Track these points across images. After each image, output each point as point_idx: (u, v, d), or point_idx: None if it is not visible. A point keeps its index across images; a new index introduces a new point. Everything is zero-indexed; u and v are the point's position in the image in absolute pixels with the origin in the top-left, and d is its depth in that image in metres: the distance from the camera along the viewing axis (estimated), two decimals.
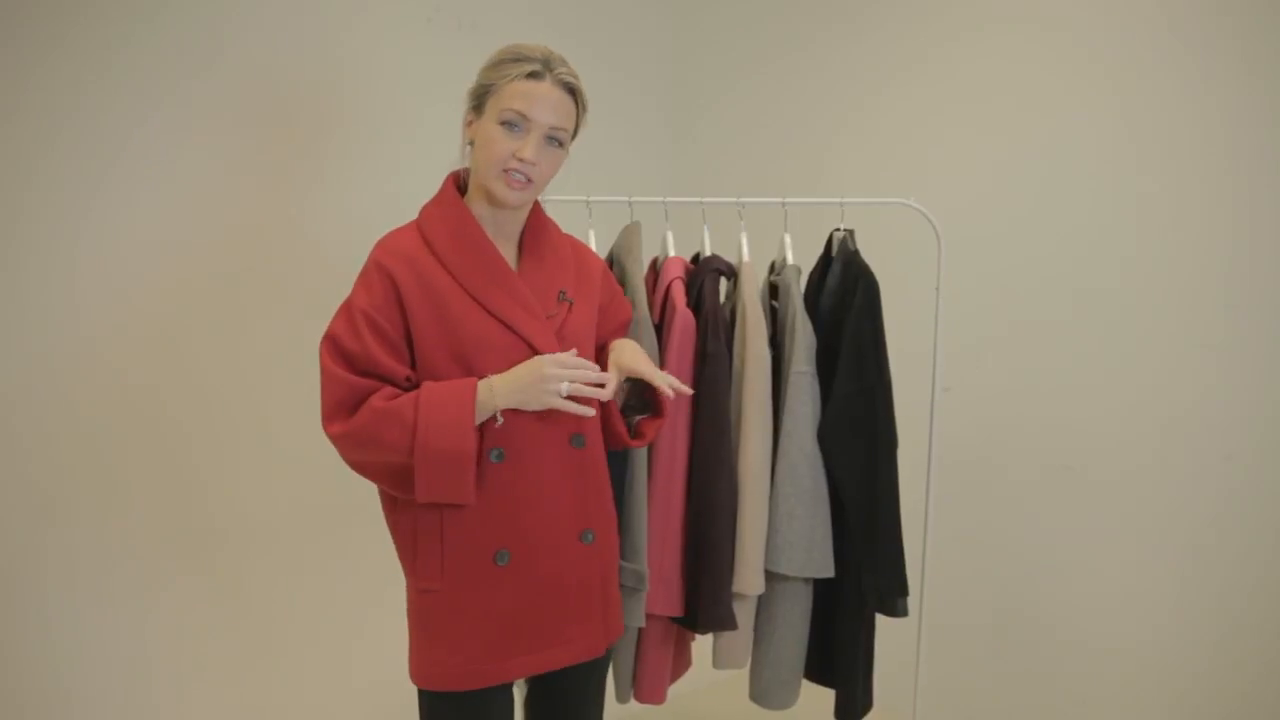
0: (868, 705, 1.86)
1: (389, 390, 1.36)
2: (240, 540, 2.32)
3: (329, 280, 2.44)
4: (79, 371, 2.08)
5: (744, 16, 2.90)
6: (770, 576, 1.76)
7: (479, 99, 1.40)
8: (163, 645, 2.22)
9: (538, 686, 1.58)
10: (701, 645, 1.93)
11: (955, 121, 2.38)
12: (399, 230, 1.46)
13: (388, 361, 1.36)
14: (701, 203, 1.83)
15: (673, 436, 1.72)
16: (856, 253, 1.79)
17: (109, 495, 2.13)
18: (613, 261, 1.81)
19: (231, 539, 2.31)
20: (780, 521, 1.75)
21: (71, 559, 2.10)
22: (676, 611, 1.75)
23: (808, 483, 1.75)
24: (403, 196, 2.50)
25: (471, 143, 1.43)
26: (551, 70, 1.38)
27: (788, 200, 1.84)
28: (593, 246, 1.81)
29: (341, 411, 1.35)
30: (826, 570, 1.76)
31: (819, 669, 1.86)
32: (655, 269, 1.86)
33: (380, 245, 1.43)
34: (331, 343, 1.38)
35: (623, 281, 1.75)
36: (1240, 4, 1.89)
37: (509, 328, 1.39)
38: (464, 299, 1.38)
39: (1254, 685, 1.95)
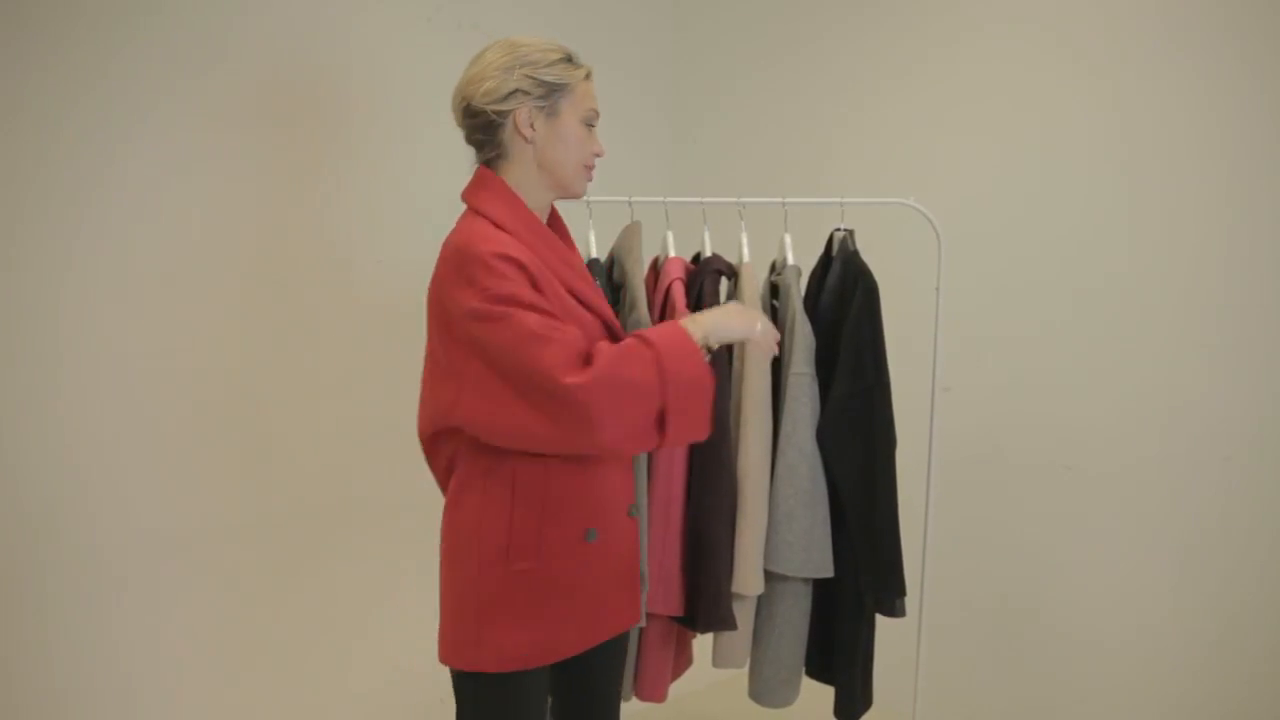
0: (867, 703, 1.87)
1: (604, 344, 1.33)
2: (241, 540, 2.32)
3: (327, 278, 2.45)
4: (80, 371, 2.08)
5: (744, 17, 2.90)
6: (770, 576, 1.76)
7: (548, 96, 1.41)
8: (163, 646, 2.22)
9: (565, 676, 1.58)
10: (702, 644, 1.94)
11: (955, 121, 2.38)
12: (473, 225, 1.40)
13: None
14: (702, 203, 1.83)
15: None
16: (856, 253, 1.79)
17: (109, 496, 2.13)
18: (613, 262, 1.81)
19: (232, 539, 2.31)
20: (779, 522, 1.75)
21: (72, 559, 2.10)
22: (677, 611, 1.76)
23: (806, 483, 1.75)
24: (402, 195, 2.52)
25: (526, 140, 1.43)
26: (590, 70, 1.50)
27: (788, 200, 1.84)
28: (593, 247, 1.82)
29: (574, 362, 1.28)
30: (825, 570, 1.76)
31: (819, 667, 1.87)
32: (656, 269, 1.86)
33: (477, 244, 1.35)
34: (516, 308, 1.30)
35: (623, 282, 1.75)
36: (1239, 4, 1.90)
37: (588, 306, 1.44)
38: (555, 282, 1.41)
39: (1253, 684, 1.95)
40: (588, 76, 1.47)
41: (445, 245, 1.40)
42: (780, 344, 1.77)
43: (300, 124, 2.34)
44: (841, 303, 1.77)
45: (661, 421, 1.32)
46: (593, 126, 1.49)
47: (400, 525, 2.54)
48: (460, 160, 1.53)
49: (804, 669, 1.87)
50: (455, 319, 1.33)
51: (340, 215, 2.43)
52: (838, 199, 1.84)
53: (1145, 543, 2.09)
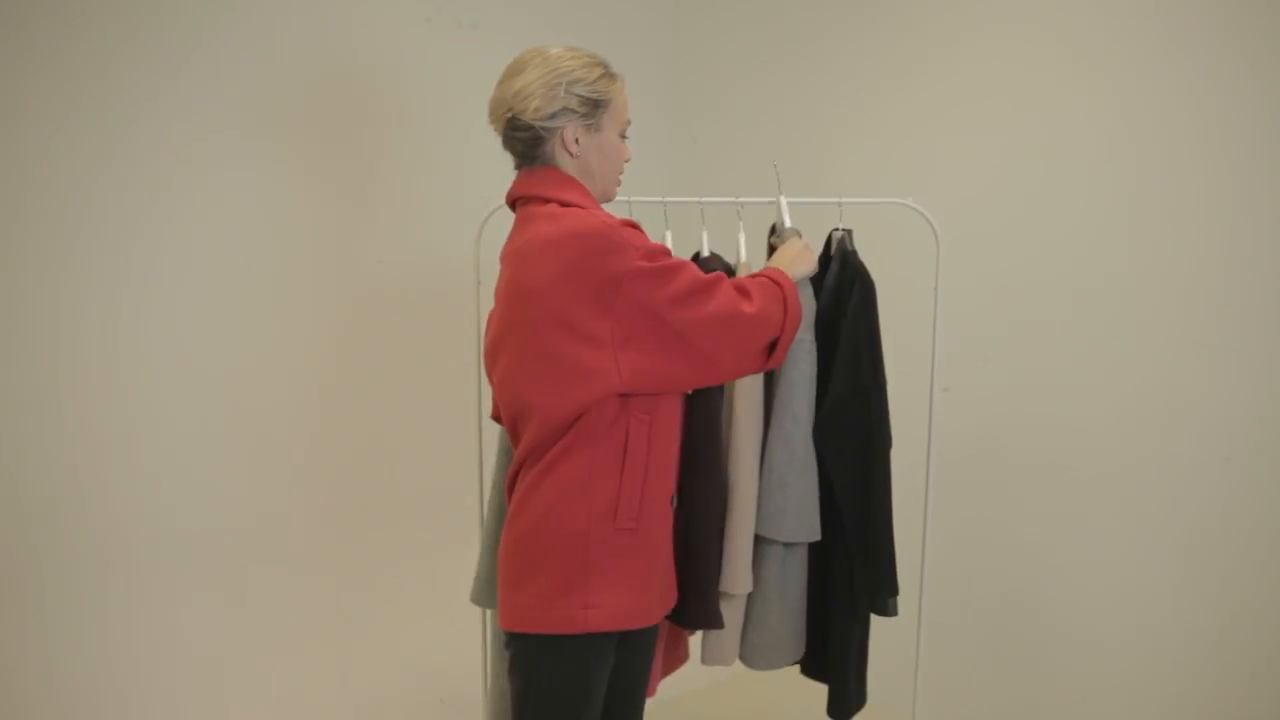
0: (861, 702, 1.86)
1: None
2: (242, 541, 2.32)
3: (329, 278, 2.45)
4: (79, 372, 2.08)
5: (744, 17, 2.90)
6: (761, 541, 1.77)
7: (590, 113, 1.50)
8: (163, 646, 2.23)
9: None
10: (692, 642, 1.94)
11: (954, 121, 2.38)
12: (575, 211, 1.47)
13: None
14: (700, 203, 1.83)
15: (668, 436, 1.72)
16: (854, 252, 1.79)
17: (109, 496, 2.14)
18: None
19: (232, 540, 2.31)
20: (772, 488, 1.75)
21: (72, 559, 2.10)
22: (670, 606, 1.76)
23: (800, 450, 1.75)
24: (401, 195, 2.52)
25: (572, 154, 1.51)
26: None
27: (788, 200, 1.84)
28: None
29: (742, 294, 1.51)
30: (814, 534, 1.78)
31: (812, 664, 1.87)
32: None
33: (601, 219, 1.44)
34: (667, 255, 1.46)
35: None
36: (1240, 4, 1.90)
37: None
38: None
39: (1253, 684, 1.96)
40: (622, 86, 1.54)
41: (548, 237, 1.42)
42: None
43: (300, 124, 2.34)
44: (838, 302, 1.77)
45: (772, 347, 1.55)
46: (625, 137, 1.57)
47: (402, 526, 2.55)
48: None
49: (799, 645, 1.85)
50: (604, 287, 1.40)
51: (340, 215, 2.43)
52: (836, 199, 1.84)
53: (1145, 543, 2.09)
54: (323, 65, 2.37)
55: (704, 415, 1.70)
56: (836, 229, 1.83)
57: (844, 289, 1.76)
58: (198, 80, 2.17)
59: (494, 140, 1.52)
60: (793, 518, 1.74)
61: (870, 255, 1.81)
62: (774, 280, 1.56)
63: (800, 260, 1.69)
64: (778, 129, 2.82)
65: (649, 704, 1.74)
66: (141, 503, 2.18)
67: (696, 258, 1.85)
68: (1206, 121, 1.95)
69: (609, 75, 1.51)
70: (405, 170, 2.51)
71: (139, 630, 2.19)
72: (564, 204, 1.47)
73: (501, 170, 1.56)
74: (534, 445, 1.46)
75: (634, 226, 1.47)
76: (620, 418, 1.45)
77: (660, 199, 1.83)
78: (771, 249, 1.86)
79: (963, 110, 2.36)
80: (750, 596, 1.81)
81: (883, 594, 1.79)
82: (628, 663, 1.60)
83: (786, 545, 1.79)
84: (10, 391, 2.02)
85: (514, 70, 1.49)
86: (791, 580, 1.81)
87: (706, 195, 1.86)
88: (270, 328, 2.33)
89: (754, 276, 1.57)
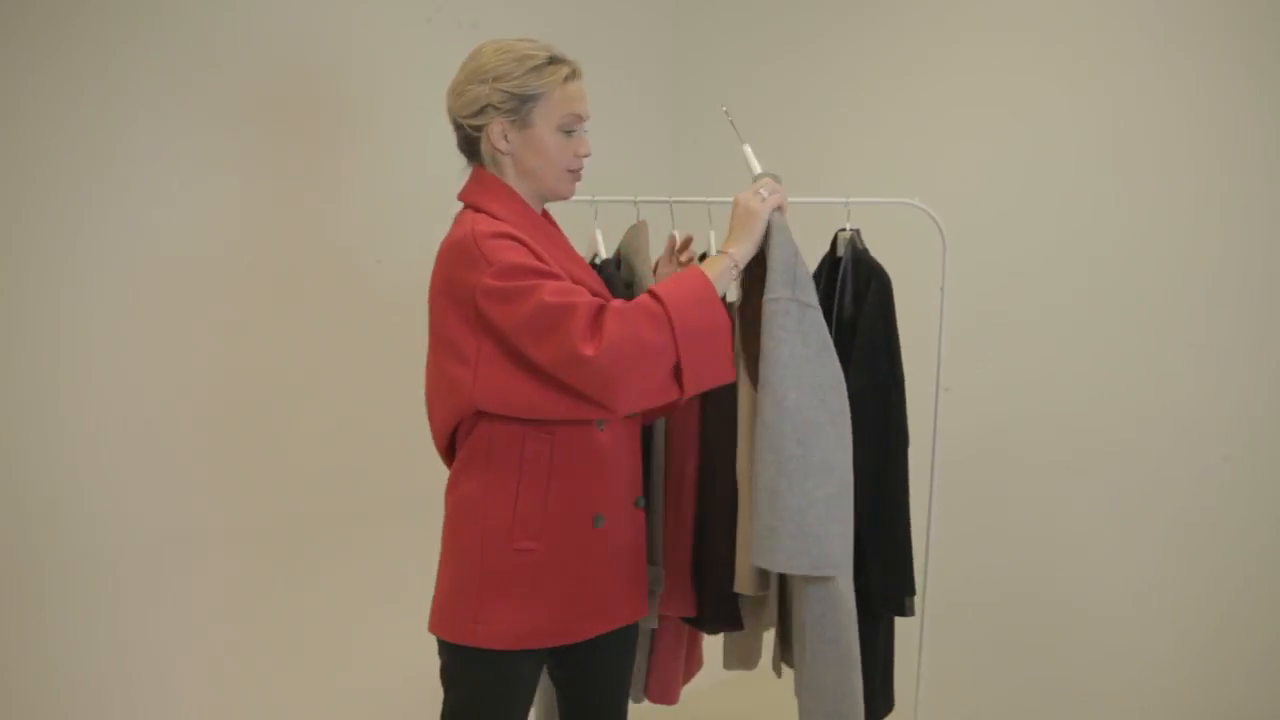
0: (889, 706, 1.83)
1: (617, 302, 1.34)
2: (241, 541, 2.31)
3: (328, 278, 2.44)
4: (79, 372, 2.07)
5: (744, 17, 2.89)
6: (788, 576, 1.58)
7: (517, 109, 1.41)
8: (163, 646, 2.21)
9: (568, 664, 1.58)
10: (710, 645, 1.93)
11: (959, 121, 2.37)
12: (472, 218, 1.41)
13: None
14: (707, 202, 1.82)
15: (685, 437, 1.71)
16: (866, 251, 1.77)
17: (109, 496, 2.13)
18: (620, 261, 1.80)
19: (232, 540, 2.30)
20: (758, 501, 1.35)
21: (72, 559, 2.09)
22: (689, 612, 1.74)
23: (793, 448, 1.33)
24: (400, 195, 2.50)
25: (502, 152, 1.44)
26: (576, 68, 1.45)
27: (791, 200, 1.83)
28: (600, 245, 1.83)
29: (589, 328, 1.29)
30: (827, 566, 1.35)
31: None
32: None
33: (479, 228, 1.37)
34: (527, 274, 1.32)
35: (630, 282, 1.74)
36: (1240, 5, 1.89)
37: (597, 294, 1.44)
38: (558, 262, 1.42)
39: (1253, 683, 1.95)
40: (569, 77, 1.43)
41: (443, 243, 1.42)
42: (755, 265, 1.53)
43: (301, 124, 2.33)
44: (854, 300, 1.73)
45: (678, 374, 1.32)
46: (572, 132, 1.45)
47: (402, 526, 2.53)
48: (461, 158, 1.53)
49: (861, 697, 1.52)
50: (466, 301, 1.34)
51: (341, 215, 2.42)
52: (842, 199, 1.83)
53: (1145, 542, 2.09)
54: (323, 65, 2.36)
55: (717, 416, 1.67)
56: (844, 229, 1.82)
57: (860, 287, 1.72)
58: (196, 80, 2.15)
59: None
60: (788, 540, 1.34)
61: (875, 255, 1.81)
62: (657, 297, 1.32)
63: (749, 238, 1.42)
64: (779, 129, 2.81)
65: (656, 710, 1.73)
66: (141, 502, 2.17)
67: (704, 257, 1.84)
68: (1215, 122, 1.95)
69: (542, 68, 1.41)
70: (406, 169, 2.50)
71: (138, 631, 2.18)
72: (476, 208, 1.44)
73: None
74: (441, 456, 1.50)
75: (509, 237, 1.35)
76: (516, 437, 1.40)
77: (667, 199, 1.82)
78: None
79: (967, 109, 2.36)
80: (797, 653, 1.52)
81: (899, 594, 1.76)
82: (589, 678, 1.58)
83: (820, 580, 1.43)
84: (11, 391, 2.00)
85: (463, 63, 1.48)
86: (837, 626, 1.41)
87: (711, 195, 1.85)
88: (270, 328, 2.32)
89: (640, 298, 1.34)
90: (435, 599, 1.49)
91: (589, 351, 1.26)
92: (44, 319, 2.02)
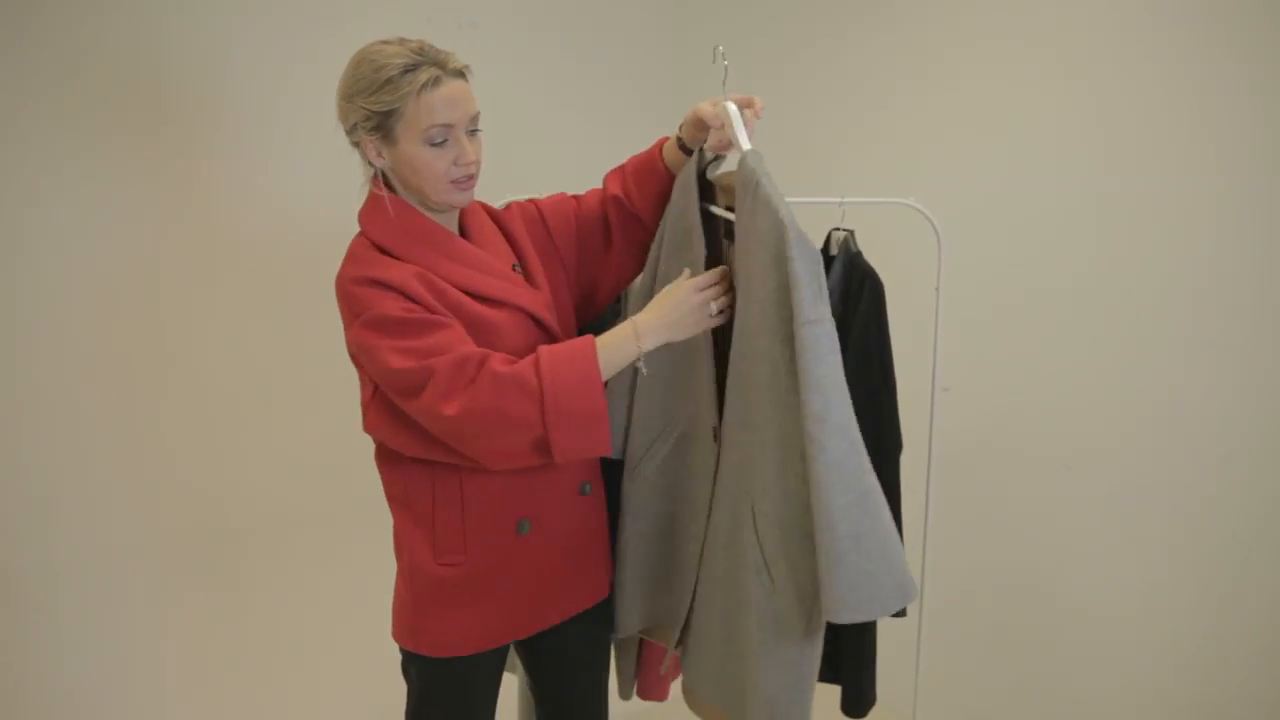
0: (872, 700, 1.86)
1: (500, 356, 1.29)
2: (241, 541, 2.32)
3: (325, 276, 2.44)
4: (78, 371, 2.08)
5: (744, 18, 2.90)
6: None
7: (380, 125, 1.33)
8: (163, 646, 2.22)
9: (539, 655, 1.59)
10: None
11: (956, 121, 2.38)
12: (352, 250, 1.39)
13: (448, 317, 1.33)
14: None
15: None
16: (859, 254, 1.78)
17: (110, 496, 2.13)
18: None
19: (232, 540, 2.31)
20: (843, 552, 1.18)
21: (73, 560, 2.09)
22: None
23: (865, 481, 1.21)
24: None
25: (380, 171, 1.39)
26: (444, 67, 1.33)
27: (787, 200, 1.84)
28: None
29: (450, 389, 1.24)
30: (913, 592, 1.24)
31: (824, 669, 1.86)
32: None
33: (345, 272, 1.35)
34: (392, 331, 1.28)
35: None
36: (1241, 7, 1.90)
37: (499, 303, 1.39)
38: (453, 291, 1.36)
39: (1253, 683, 1.96)
40: (428, 85, 1.29)
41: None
42: (731, 281, 1.40)
43: (301, 124, 2.34)
44: (844, 303, 1.74)
45: (547, 444, 1.28)
46: (443, 142, 1.33)
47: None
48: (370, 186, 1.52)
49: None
50: (350, 341, 1.36)
51: (341, 214, 2.42)
52: (837, 199, 1.84)
53: (1145, 543, 2.09)
54: (323, 65, 2.36)
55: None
56: (837, 229, 1.83)
57: (852, 290, 1.73)
58: (195, 80, 2.16)
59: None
60: (886, 576, 1.20)
61: (870, 255, 1.81)
62: (537, 370, 1.26)
63: (673, 321, 1.31)
64: (777, 129, 2.82)
65: (651, 704, 1.73)
66: (140, 502, 2.18)
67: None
68: (1211, 122, 1.95)
69: (396, 80, 1.29)
70: None
71: (138, 630, 2.19)
72: (362, 230, 1.43)
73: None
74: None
75: (377, 284, 1.30)
76: (426, 481, 1.42)
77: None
78: (705, 185, 1.65)
79: (964, 110, 2.36)
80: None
81: None
82: (559, 671, 1.59)
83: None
84: (10, 391, 2.01)
85: None
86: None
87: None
88: (271, 329, 2.33)
89: (523, 364, 1.28)
90: (392, 607, 1.52)
91: (449, 412, 1.24)
92: (42, 318, 2.03)
